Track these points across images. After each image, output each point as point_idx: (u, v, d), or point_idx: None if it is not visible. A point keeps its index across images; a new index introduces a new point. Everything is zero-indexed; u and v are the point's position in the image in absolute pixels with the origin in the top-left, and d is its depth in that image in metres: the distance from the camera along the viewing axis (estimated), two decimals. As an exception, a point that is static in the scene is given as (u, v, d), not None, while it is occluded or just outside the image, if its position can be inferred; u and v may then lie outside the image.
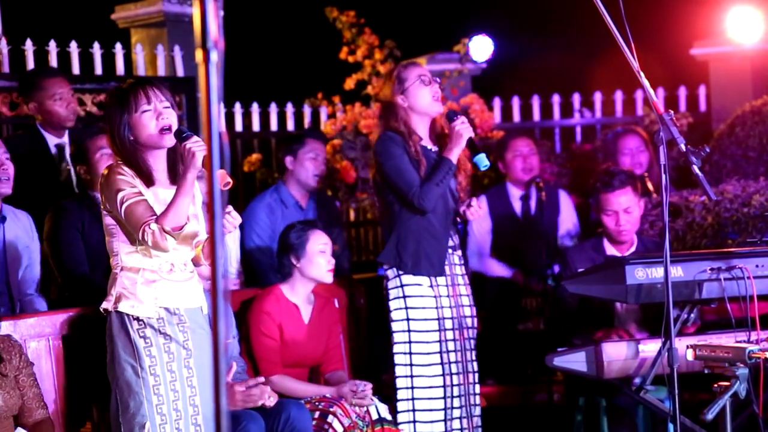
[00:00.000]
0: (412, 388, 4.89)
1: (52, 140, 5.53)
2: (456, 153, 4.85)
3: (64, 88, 5.47)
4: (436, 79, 4.96)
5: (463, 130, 4.80)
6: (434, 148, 4.98)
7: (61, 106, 5.42)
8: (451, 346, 4.91)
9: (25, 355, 4.09)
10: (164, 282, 3.87)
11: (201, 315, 3.98)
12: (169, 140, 3.84)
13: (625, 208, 5.17)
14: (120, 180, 3.79)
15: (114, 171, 3.82)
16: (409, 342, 4.89)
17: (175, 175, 3.92)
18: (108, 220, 3.88)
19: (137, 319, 3.82)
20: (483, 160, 4.75)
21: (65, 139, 5.56)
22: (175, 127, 3.85)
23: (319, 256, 4.87)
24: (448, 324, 4.92)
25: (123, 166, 3.83)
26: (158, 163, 3.90)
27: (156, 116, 3.83)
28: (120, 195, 3.76)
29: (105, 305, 3.87)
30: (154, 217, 3.73)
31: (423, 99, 4.90)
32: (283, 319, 4.85)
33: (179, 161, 3.91)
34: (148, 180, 3.85)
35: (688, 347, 4.02)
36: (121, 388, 3.82)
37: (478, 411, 5.00)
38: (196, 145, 3.72)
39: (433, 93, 4.91)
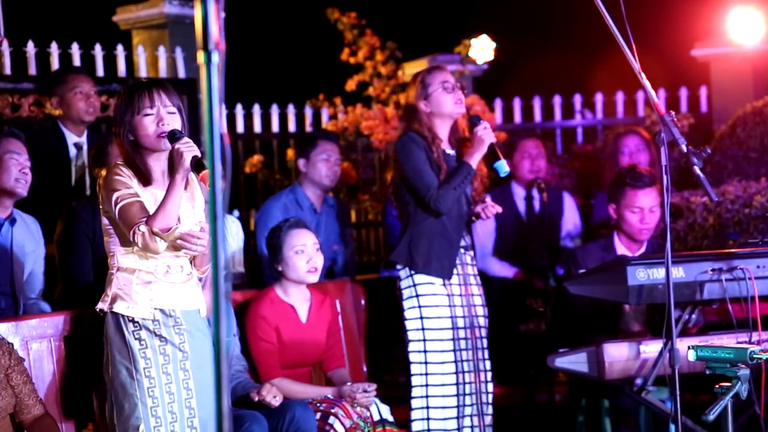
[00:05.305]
0: (427, 386, 4.91)
1: (71, 138, 5.69)
2: (477, 158, 4.86)
3: (85, 84, 5.67)
4: (459, 85, 4.96)
5: (486, 135, 4.81)
6: (452, 152, 4.98)
7: (80, 100, 5.61)
8: (463, 344, 4.93)
9: (15, 353, 4.04)
10: (160, 283, 3.85)
11: (199, 318, 3.96)
12: (167, 144, 3.82)
13: (650, 207, 5.14)
14: (116, 180, 3.78)
15: (112, 171, 3.81)
16: (424, 340, 4.90)
17: None
18: (105, 220, 3.88)
19: (132, 320, 3.81)
20: (503, 167, 4.76)
21: (84, 138, 5.71)
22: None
23: (295, 258, 4.75)
24: (461, 323, 4.93)
25: (122, 166, 3.82)
26: (159, 164, 3.88)
27: (157, 121, 3.81)
28: (115, 195, 3.75)
29: (101, 305, 3.87)
30: (145, 218, 3.72)
31: (445, 105, 4.91)
32: (280, 322, 4.78)
33: None
34: (145, 180, 3.83)
35: (689, 348, 4.02)
36: (116, 390, 3.82)
37: (490, 410, 5.01)
38: (185, 146, 3.71)
39: (456, 100, 4.91)
